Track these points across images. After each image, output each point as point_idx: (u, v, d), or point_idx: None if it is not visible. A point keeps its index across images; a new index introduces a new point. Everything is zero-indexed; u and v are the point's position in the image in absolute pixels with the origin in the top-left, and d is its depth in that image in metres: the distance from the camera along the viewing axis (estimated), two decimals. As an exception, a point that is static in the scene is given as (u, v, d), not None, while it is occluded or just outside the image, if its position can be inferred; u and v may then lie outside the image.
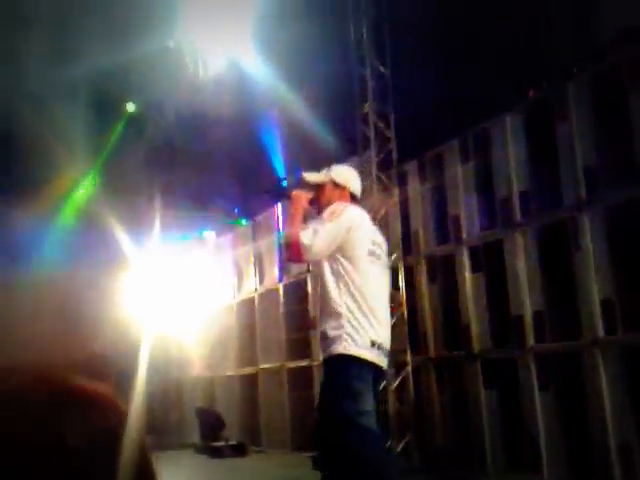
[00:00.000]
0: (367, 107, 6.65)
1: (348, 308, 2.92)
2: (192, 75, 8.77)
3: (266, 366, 9.00)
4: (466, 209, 5.99)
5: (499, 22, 5.93)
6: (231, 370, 9.81)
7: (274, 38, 7.66)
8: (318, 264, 3.00)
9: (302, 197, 3.10)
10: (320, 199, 3.14)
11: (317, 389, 7.83)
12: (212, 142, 9.32)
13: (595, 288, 4.81)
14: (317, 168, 3.41)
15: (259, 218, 9.45)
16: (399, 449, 5.99)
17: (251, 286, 9.51)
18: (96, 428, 0.64)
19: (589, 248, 4.85)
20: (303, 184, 3.23)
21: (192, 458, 8.86)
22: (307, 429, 7.91)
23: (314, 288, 8.04)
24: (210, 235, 10.80)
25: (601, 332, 4.77)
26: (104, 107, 8.80)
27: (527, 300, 5.32)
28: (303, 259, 2.99)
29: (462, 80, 6.10)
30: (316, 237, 2.91)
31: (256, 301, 9.36)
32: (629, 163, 4.61)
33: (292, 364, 8.47)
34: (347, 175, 3.27)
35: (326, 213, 3.02)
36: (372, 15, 6.62)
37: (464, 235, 5.99)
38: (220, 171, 9.65)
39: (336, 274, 2.97)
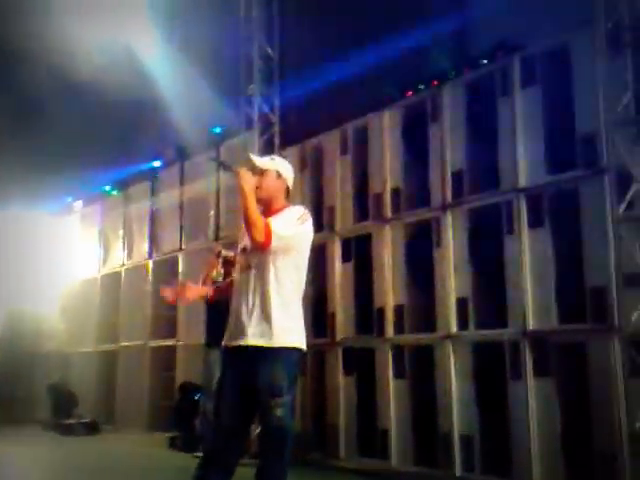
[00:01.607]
0: (252, 89, 6.57)
1: (297, 304, 3.12)
2: (68, 32, 8.22)
3: (127, 344, 8.71)
4: (341, 200, 6.08)
5: (388, 21, 6.08)
6: (89, 346, 9.40)
7: (163, 7, 7.37)
8: (273, 253, 3.05)
9: (251, 178, 3.06)
10: (261, 186, 3.11)
11: (180, 370, 7.70)
12: (86, 108, 8.83)
13: (452, 286, 5.06)
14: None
15: (131, 190, 9.09)
16: (257, 432, 6.00)
17: (118, 260, 9.15)
18: None
19: (450, 247, 5.09)
20: (247, 165, 3.15)
21: (40, 435, 8.43)
22: (165, 409, 7.76)
23: (185, 267, 7.87)
24: (77, 204, 10.24)
25: (454, 327, 5.02)
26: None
27: (390, 293, 5.51)
28: (269, 244, 3.00)
29: (348, 73, 6.19)
30: (283, 230, 3.03)
31: (122, 276, 9.02)
32: (493, 169, 4.88)
33: (155, 343, 8.27)
34: (288, 168, 3.30)
35: (293, 214, 3.15)
36: (263, -5, 6.54)
37: (337, 226, 6.09)
38: (93, 138, 9.17)
39: (290, 268, 3.11)
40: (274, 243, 3.00)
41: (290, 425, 3.03)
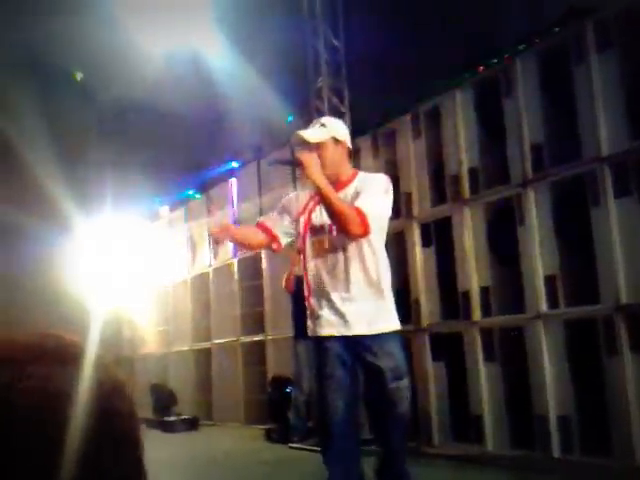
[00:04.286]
0: (321, 82, 6.62)
1: (389, 280, 2.91)
2: (142, 45, 8.57)
3: (220, 341, 8.99)
4: (417, 185, 6.02)
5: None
6: (185, 345, 9.77)
7: (227, 11, 7.53)
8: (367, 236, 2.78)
9: (315, 161, 2.70)
10: (324, 160, 2.76)
11: (271, 363, 7.88)
12: (165, 114, 9.17)
13: (539, 264, 4.91)
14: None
15: (213, 191, 9.36)
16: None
17: (205, 261, 9.45)
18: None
19: (534, 224, 4.94)
20: (300, 144, 2.87)
21: (144, 433, 8.83)
22: (260, 403, 7.96)
23: (269, 263, 8.03)
24: (164, 209, 10.67)
25: (544, 306, 4.88)
26: (52, 76, 8.57)
27: (474, 275, 5.41)
28: (369, 230, 2.70)
29: (414, 54, 6.11)
30: (377, 209, 2.76)
31: (210, 276, 9.30)
32: (574, 139, 4.70)
33: (246, 339, 8.48)
34: (343, 129, 2.93)
35: (379, 184, 2.85)
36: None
37: (415, 211, 6.03)
38: (173, 144, 9.51)
39: (382, 245, 2.89)
40: (373, 227, 2.69)
41: (409, 409, 2.89)
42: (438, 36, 5.87)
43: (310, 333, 2.96)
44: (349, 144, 2.90)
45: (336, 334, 2.84)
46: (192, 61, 8.29)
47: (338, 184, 2.81)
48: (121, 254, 10.44)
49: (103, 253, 9.87)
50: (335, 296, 2.81)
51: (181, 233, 9.98)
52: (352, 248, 2.79)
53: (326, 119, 2.95)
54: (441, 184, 5.79)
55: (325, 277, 2.84)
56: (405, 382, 2.80)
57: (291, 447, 6.26)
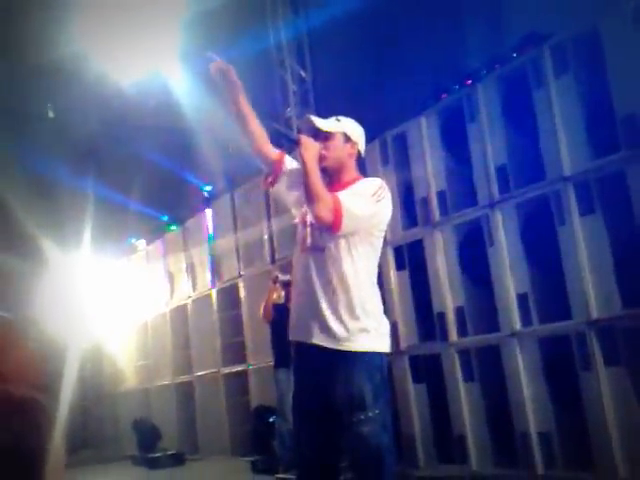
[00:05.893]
0: (289, 111, 6.71)
1: (375, 297, 2.62)
2: (113, 80, 8.64)
3: (202, 373, 8.94)
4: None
5: (415, 29, 6.10)
6: (166, 379, 9.69)
7: (195, 45, 7.61)
8: (345, 235, 2.53)
9: (314, 146, 2.56)
10: (328, 152, 2.62)
11: (253, 393, 7.84)
12: (138, 147, 9.20)
13: (510, 282, 5.00)
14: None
15: (189, 223, 9.37)
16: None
17: (184, 293, 9.42)
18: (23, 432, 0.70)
19: (503, 244, 5.03)
20: (307, 130, 2.71)
21: (130, 470, 8.73)
22: (245, 434, 7.90)
23: (247, 291, 8.03)
24: (140, 242, 10.63)
25: (518, 325, 4.95)
26: (22, 113, 8.58)
27: (448, 296, 5.48)
28: (340, 225, 2.46)
29: (382, 82, 6.23)
30: (357, 208, 2.51)
31: (189, 308, 9.27)
32: (536, 160, 4.82)
33: (228, 370, 8.45)
34: (359, 131, 2.73)
35: (367, 188, 2.60)
36: (291, 20, 6.68)
37: (388, 235, 6.10)
38: (148, 177, 9.52)
39: (368, 255, 2.59)
40: (346, 223, 2.47)
41: (384, 445, 2.48)
42: (404, 64, 6.00)
43: None
44: (361, 148, 2.73)
45: (298, 339, 2.62)
46: (161, 93, 8.36)
47: (338, 184, 2.65)
48: (99, 289, 10.38)
49: (81, 289, 9.80)
50: (307, 299, 2.59)
51: (158, 266, 9.94)
52: (329, 250, 2.56)
53: (343, 117, 2.76)
54: (411, 208, 5.88)
55: (304, 277, 2.62)
56: (368, 413, 2.47)
57: (278, 478, 6.22)
